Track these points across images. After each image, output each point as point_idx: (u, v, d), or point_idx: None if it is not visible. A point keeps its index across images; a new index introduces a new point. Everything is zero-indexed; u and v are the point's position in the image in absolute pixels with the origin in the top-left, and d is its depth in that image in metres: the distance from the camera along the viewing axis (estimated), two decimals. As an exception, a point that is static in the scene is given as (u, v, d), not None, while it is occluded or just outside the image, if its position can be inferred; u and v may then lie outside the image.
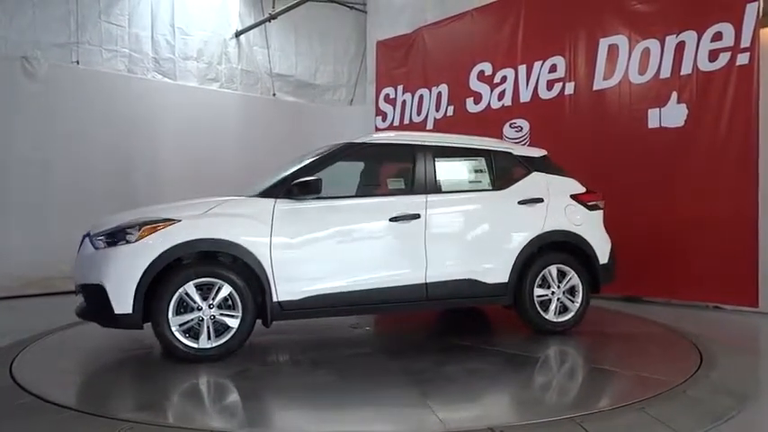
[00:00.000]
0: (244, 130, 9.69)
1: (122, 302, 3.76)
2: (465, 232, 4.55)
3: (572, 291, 4.75)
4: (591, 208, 4.92)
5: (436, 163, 4.60)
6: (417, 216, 4.36)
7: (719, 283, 5.87)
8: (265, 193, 4.19)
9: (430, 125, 8.56)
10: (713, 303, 6.07)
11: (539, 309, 4.63)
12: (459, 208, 4.60)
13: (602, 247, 4.87)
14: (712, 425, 2.89)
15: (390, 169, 4.98)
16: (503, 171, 4.86)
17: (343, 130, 8.42)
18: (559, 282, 4.71)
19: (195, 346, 3.86)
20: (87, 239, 4.08)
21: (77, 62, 8.26)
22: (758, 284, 5.61)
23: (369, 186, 4.89)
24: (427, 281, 4.37)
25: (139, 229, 3.85)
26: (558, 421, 2.86)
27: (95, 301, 3.88)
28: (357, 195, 4.58)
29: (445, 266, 4.43)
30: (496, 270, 4.54)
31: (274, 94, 10.37)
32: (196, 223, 3.93)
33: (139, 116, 8.59)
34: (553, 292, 4.68)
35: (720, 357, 3.99)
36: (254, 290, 4.01)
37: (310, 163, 4.41)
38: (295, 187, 4.11)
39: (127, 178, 8.37)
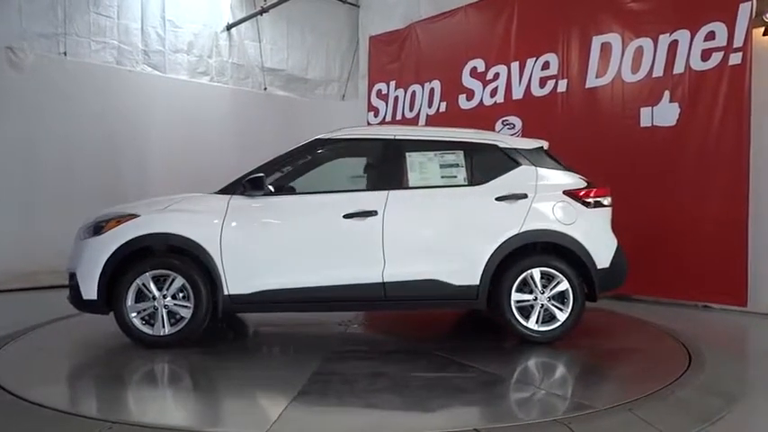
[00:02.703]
0: (234, 125, 9.59)
1: (89, 289, 4.13)
2: (429, 230, 4.32)
3: (562, 297, 4.31)
4: (589, 205, 4.44)
5: (406, 158, 4.43)
6: (374, 213, 4.22)
7: (709, 282, 5.89)
8: (224, 190, 4.35)
9: (422, 121, 8.52)
10: (702, 302, 6.07)
11: (517, 316, 4.27)
12: (424, 204, 4.37)
13: (601, 250, 4.38)
14: (701, 426, 2.88)
15: (359, 164, 4.90)
16: (483, 165, 4.54)
17: (334, 125, 8.30)
18: (545, 287, 4.30)
19: (150, 332, 4.17)
20: (78, 231, 4.41)
21: (65, 53, 8.11)
22: (747, 284, 5.62)
23: (331, 182, 4.80)
24: (385, 280, 4.20)
25: (106, 224, 4.20)
26: (545, 423, 2.83)
27: (73, 287, 4.24)
28: (313, 191, 4.49)
29: (405, 266, 4.22)
30: (464, 271, 4.25)
31: (265, 89, 10.27)
32: (153, 219, 4.21)
33: (128, 109, 8.46)
34: (536, 298, 4.30)
35: (709, 358, 3.98)
36: (207, 283, 4.16)
37: (278, 159, 4.46)
38: (247, 184, 4.23)
39: (115, 172, 8.25)
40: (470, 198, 4.39)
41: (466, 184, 4.46)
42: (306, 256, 4.24)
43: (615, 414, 2.93)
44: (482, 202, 4.35)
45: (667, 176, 6.14)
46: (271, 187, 4.33)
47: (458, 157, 4.51)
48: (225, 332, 5.06)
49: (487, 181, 4.44)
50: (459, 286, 4.25)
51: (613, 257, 4.42)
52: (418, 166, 4.45)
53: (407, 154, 4.45)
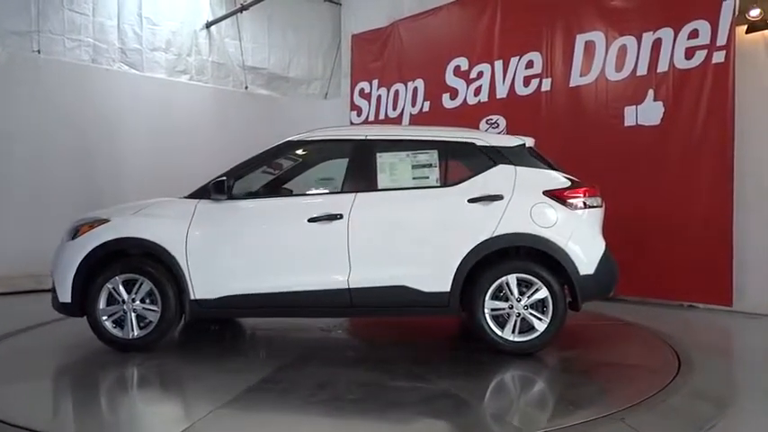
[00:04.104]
0: (215, 125, 9.41)
1: (64, 292, 4.20)
2: (397, 234, 4.13)
3: (542, 306, 4.03)
4: (572, 206, 4.11)
5: (377, 159, 4.25)
6: (339, 216, 4.08)
7: (694, 282, 5.86)
8: (193, 194, 4.32)
9: (406, 120, 8.43)
10: (688, 302, 6.05)
11: (491, 325, 4.01)
12: (391, 207, 4.18)
13: (585, 254, 4.04)
14: (694, 435, 2.82)
15: (329, 166, 4.81)
16: (459, 164, 4.37)
17: (317, 124, 8.18)
18: (522, 294, 4.01)
19: (120, 335, 4.20)
20: (63, 234, 4.45)
21: (38, 51, 7.88)
22: (732, 284, 5.61)
23: (302, 184, 4.78)
24: (350, 286, 4.06)
25: (81, 228, 4.28)
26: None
27: (53, 290, 4.32)
28: (280, 195, 4.46)
29: (372, 271, 4.06)
30: (434, 278, 4.03)
31: (247, 88, 10.10)
32: (122, 223, 4.25)
33: (104, 109, 8.25)
34: (511, 306, 4.02)
35: (698, 361, 3.94)
36: (174, 287, 4.16)
37: (248, 161, 4.41)
38: (211, 187, 4.19)
39: (90, 174, 8.03)
40: (441, 200, 4.17)
41: (438, 185, 4.24)
42: (270, 261, 4.16)
43: (606, 424, 2.85)
44: (453, 204, 4.12)
45: (652, 176, 6.10)
46: (240, 191, 4.29)
47: (431, 156, 4.28)
48: (220, 334, 5.09)
49: (461, 182, 4.22)
50: (430, 293, 4.04)
51: (599, 263, 4.07)
52: (389, 167, 4.27)
53: (378, 155, 4.27)
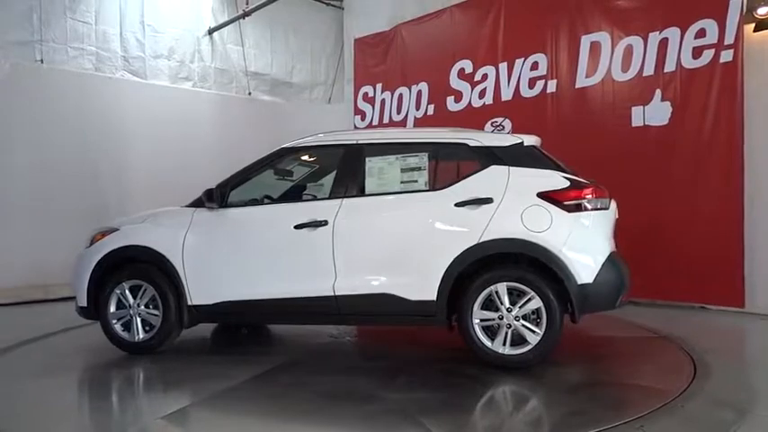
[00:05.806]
0: (219, 131, 9.39)
1: (81, 297, 4.48)
2: (382, 240, 3.98)
3: (536, 317, 3.72)
4: (570, 209, 3.75)
5: (366, 163, 4.14)
6: (324, 223, 4.02)
7: (705, 283, 5.80)
8: (193, 203, 4.44)
9: (410, 124, 8.40)
10: (699, 304, 5.98)
11: (480, 336, 3.77)
12: (376, 213, 4.06)
13: (583, 261, 3.69)
14: (714, 442, 2.76)
15: (322, 172, 4.80)
16: (450, 167, 4.23)
17: (321, 129, 8.13)
18: (514, 304, 3.72)
19: (127, 338, 4.42)
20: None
21: (41, 61, 7.88)
22: (744, 284, 5.54)
23: (289, 192, 4.77)
24: (336, 293, 3.97)
25: (96, 236, 4.55)
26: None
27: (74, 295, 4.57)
28: (269, 202, 4.50)
29: (357, 279, 3.95)
30: (420, 286, 3.85)
31: (250, 93, 10.09)
32: (128, 232, 4.47)
33: (108, 117, 8.23)
34: (501, 317, 3.75)
35: (713, 365, 3.87)
36: (174, 293, 4.30)
37: (244, 169, 4.46)
38: (203, 196, 4.30)
39: (94, 183, 8.01)
40: (427, 204, 3.97)
41: (426, 189, 4.02)
42: (258, 268, 4.19)
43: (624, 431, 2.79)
44: (439, 208, 3.91)
45: (661, 176, 6.05)
46: (237, 198, 4.37)
47: (421, 159, 4.08)
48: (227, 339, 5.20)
49: (451, 185, 3.99)
50: (416, 302, 3.87)
51: (601, 271, 3.71)
52: (377, 171, 4.14)
53: (368, 159, 4.16)
